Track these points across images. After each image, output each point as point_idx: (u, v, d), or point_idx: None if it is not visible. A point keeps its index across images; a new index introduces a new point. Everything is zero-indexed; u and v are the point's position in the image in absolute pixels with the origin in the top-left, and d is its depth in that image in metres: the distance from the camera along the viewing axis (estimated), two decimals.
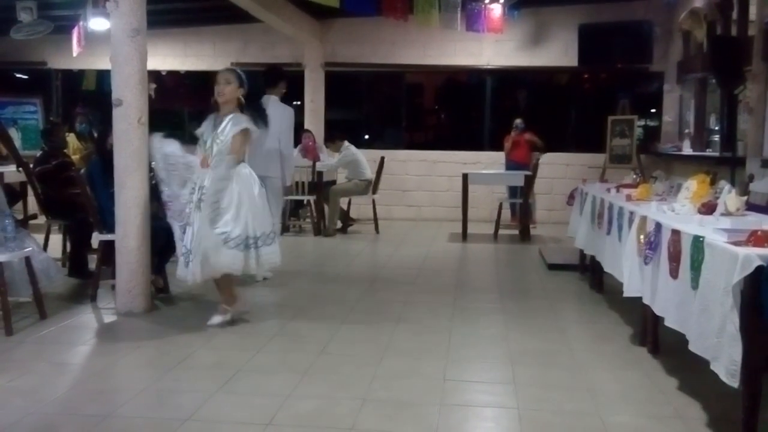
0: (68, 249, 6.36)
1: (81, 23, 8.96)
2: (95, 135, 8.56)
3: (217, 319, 4.73)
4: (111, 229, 5.15)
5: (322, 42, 10.98)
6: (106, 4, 5.05)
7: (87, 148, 8.35)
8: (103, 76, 11.12)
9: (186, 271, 4.55)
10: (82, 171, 5.84)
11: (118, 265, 5.06)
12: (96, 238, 5.48)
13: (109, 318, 5.03)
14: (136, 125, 4.97)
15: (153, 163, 4.77)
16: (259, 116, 4.83)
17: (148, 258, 5.11)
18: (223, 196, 4.52)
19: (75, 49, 9.44)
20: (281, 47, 10.96)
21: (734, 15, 7.79)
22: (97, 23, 8.39)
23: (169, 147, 4.65)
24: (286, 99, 6.61)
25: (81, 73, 11.65)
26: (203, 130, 4.73)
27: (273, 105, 6.21)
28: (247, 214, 4.55)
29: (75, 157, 7.72)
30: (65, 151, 7.13)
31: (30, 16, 8.53)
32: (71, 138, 8.46)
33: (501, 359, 4.13)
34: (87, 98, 11.10)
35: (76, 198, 5.61)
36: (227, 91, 4.68)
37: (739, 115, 7.52)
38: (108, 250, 5.24)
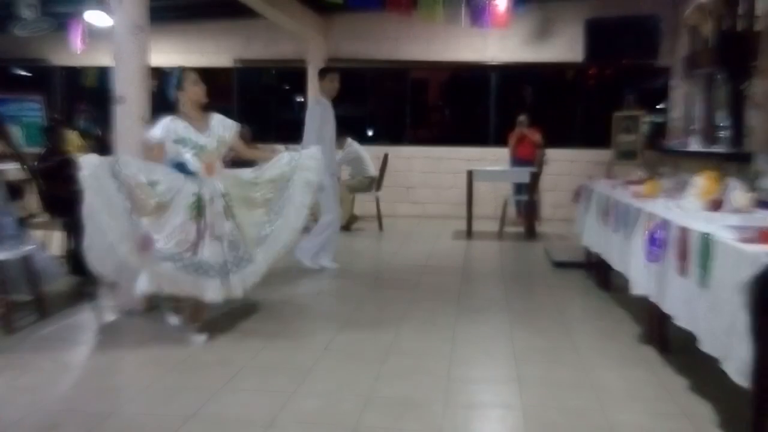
0: (69, 247, 6.34)
1: (83, 20, 8.94)
2: (98, 132, 8.56)
3: (198, 339, 4.37)
4: None
5: (325, 38, 10.94)
6: (108, 0, 5.02)
7: (89, 145, 8.32)
8: (105, 73, 11.12)
9: (229, 285, 4.30)
10: None
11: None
12: None
13: (110, 316, 5.01)
14: (139, 122, 4.95)
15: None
16: None
17: None
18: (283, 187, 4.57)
19: (77, 46, 9.42)
20: (284, 43, 10.92)
21: (740, 10, 7.72)
22: (100, 20, 8.37)
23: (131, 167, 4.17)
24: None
25: (83, 70, 11.63)
26: (184, 135, 4.25)
27: (323, 105, 6.41)
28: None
29: (77, 155, 7.69)
30: (67, 148, 7.10)
31: (33, 13, 8.51)
32: (73, 135, 8.44)
33: (506, 357, 4.10)
34: (90, 95, 11.08)
35: (78, 195, 5.57)
36: (201, 93, 4.43)
37: (746, 110, 7.46)
38: None
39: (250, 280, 4.45)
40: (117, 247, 4.00)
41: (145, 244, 4.04)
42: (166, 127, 4.24)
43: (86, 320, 4.96)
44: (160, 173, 4.18)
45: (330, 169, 6.30)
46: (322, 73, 6.67)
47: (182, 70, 4.34)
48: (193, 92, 4.33)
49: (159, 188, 4.12)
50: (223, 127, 4.47)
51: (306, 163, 4.65)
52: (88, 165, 3.97)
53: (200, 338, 4.33)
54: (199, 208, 4.19)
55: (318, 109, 6.50)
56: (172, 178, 4.19)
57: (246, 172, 4.56)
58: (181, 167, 4.24)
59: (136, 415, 3.27)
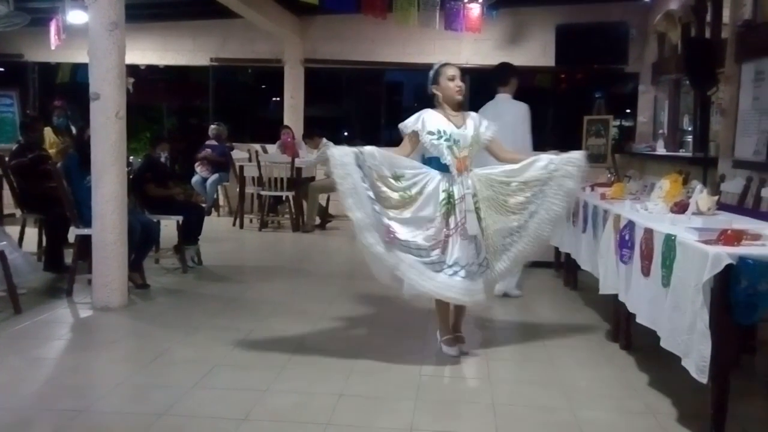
0: (44, 243, 6.31)
1: (59, 16, 8.87)
2: (72, 129, 8.50)
3: (453, 351, 4.14)
4: (88, 223, 5.12)
5: (302, 38, 10.96)
6: None
7: (64, 141, 8.28)
8: (79, 69, 11.03)
9: (475, 289, 3.96)
10: (59, 165, 5.80)
11: (94, 260, 5.03)
12: (73, 233, 5.45)
13: (85, 313, 5.00)
14: (114, 119, 4.95)
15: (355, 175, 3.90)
16: None
17: (125, 252, 5.10)
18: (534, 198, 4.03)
19: (53, 42, 9.34)
20: (261, 43, 10.92)
21: (708, 17, 7.91)
22: (76, 16, 8.32)
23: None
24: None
25: (58, 67, 11.52)
26: (435, 127, 4.02)
27: (506, 103, 5.91)
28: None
29: (52, 151, 7.65)
30: (42, 145, 7.06)
31: (6, 7, 8.42)
32: (48, 131, 8.38)
33: (476, 355, 4.17)
34: (65, 92, 10.98)
35: (53, 192, 5.56)
36: (462, 87, 4.11)
37: (711, 116, 7.65)
38: (85, 244, 5.21)
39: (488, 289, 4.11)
40: (362, 236, 3.86)
41: (389, 235, 3.87)
42: (421, 118, 4.05)
43: (60, 317, 4.94)
44: (406, 166, 3.99)
45: None
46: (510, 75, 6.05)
47: (441, 66, 4.13)
48: (447, 88, 4.08)
49: (404, 182, 3.94)
50: (480, 126, 4.12)
51: (567, 169, 4.03)
52: (336, 154, 3.88)
53: (452, 350, 4.10)
54: (449, 205, 3.94)
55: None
56: (417, 173, 3.98)
57: (498, 172, 4.10)
58: (433, 162, 4.04)
59: (108, 413, 3.28)
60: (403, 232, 3.88)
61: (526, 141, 5.81)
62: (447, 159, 3.96)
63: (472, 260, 3.93)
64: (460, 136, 4.00)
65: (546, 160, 4.04)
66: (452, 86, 4.06)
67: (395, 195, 3.92)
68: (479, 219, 3.96)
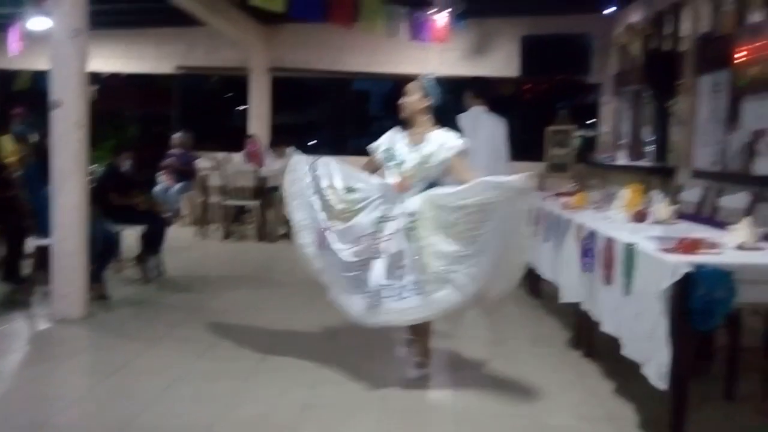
0: (2, 254, 6.17)
1: (20, 22, 8.72)
2: (32, 136, 8.33)
3: (414, 373, 3.98)
4: (46, 233, 5.03)
5: (268, 47, 10.92)
6: (46, 3, 4.95)
7: (23, 150, 8.11)
8: (40, 77, 10.84)
9: (378, 312, 3.76)
10: (18, 173, 5.69)
11: (54, 270, 4.94)
12: (31, 243, 5.35)
13: (43, 325, 4.91)
14: (75, 127, 4.88)
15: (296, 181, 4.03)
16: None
17: (85, 263, 5.02)
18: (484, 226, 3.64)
19: (13, 48, 9.18)
20: (226, 51, 10.85)
21: (668, 30, 8.08)
22: (37, 22, 8.17)
23: (339, 169, 4.03)
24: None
25: (19, 73, 11.31)
26: (387, 146, 4.00)
27: (484, 116, 5.97)
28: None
29: (10, 160, 7.49)
30: (1, 153, 6.91)
31: None
32: (7, 139, 8.21)
33: (440, 364, 4.19)
34: (26, 99, 10.78)
35: (10, 201, 5.45)
36: (407, 102, 3.97)
37: (671, 126, 7.81)
38: (43, 254, 5.12)
39: (411, 315, 3.76)
40: (299, 236, 3.98)
41: (321, 241, 3.92)
42: (386, 136, 4.04)
43: (18, 329, 4.85)
44: (363, 181, 3.98)
45: None
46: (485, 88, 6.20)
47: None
48: (401, 103, 4.01)
49: (354, 196, 3.92)
50: (438, 145, 3.88)
51: (508, 196, 3.63)
52: (293, 159, 4.09)
53: (414, 372, 3.97)
54: (381, 224, 3.85)
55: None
56: (370, 189, 3.94)
57: (449, 193, 3.82)
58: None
59: (69, 426, 3.23)
60: (335, 242, 3.90)
61: (502, 155, 5.96)
62: (390, 178, 3.93)
63: (384, 282, 3.75)
64: (407, 156, 3.90)
65: (494, 181, 3.72)
66: (403, 101, 3.99)
67: (340, 206, 3.94)
68: (417, 240, 3.75)
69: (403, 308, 3.71)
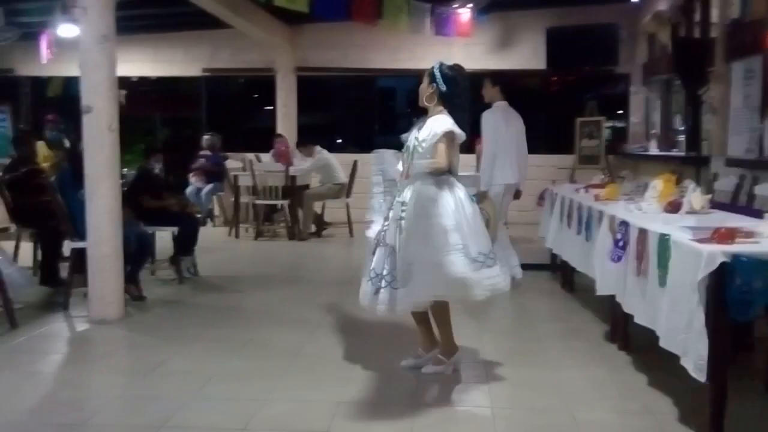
0: (39, 257, 6.29)
1: (49, 30, 8.87)
2: (65, 142, 8.48)
3: (431, 368, 3.93)
4: (82, 236, 5.11)
5: (293, 47, 10.98)
6: (74, 10, 5.02)
7: (57, 155, 8.25)
8: (71, 83, 11.02)
9: (375, 299, 3.72)
10: (53, 178, 5.79)
11: (90, 273, 5.02)
12: (67, 246, 5.44)
13: (81, 326, 4.99)
14: (107, 132, 4.95)
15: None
16: (457, 123, 3.83)
17: (120, 265, 5.09)
18: (436, 213, 3.67)
19: (44, 55, 9.34)
20: (252, 52, 10.93)
21: (697, 17, 7.95)
22: (66, 30, 8.31)
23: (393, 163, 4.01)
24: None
25: (50, 80, 11.52)
26: (407, 135, 3.97)
27: (511, 112, 6.11)
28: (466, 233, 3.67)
29: (45, 165, 7.63)
30: (35, 159, 7.04)
31: None
32: (41, 145, 8.36)
33: (474, 359, 4.18)
34: (57, 105, 10.98)
35: (47, 206, 5.55)
36: (420, 90, 3.97)
37: (703, 115, 7.68)
38: (80, 257, 5.20)
39: (397, 307, 3.72)
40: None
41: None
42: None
43: (57, 331, 4.93)
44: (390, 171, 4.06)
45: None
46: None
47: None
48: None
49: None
50: (429, 131, 3.79)
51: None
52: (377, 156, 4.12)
53: (428, 367, 3.93)
54: (389, 210, 3.88)
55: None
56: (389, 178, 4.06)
57: (431, 186, 3.76)
58: None
59: (106, 426, 3.27)
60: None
61: (525, 151, 6.20)
62: (399, 166, 3.97)
63: (383, 271, 3.70)
64: (410, 143, 3.89)
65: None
66: (421, 88, 4.01)
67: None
68: (401, 230, 3.70)
69: (392, 299, 3.67)
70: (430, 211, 3.68)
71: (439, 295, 3.77)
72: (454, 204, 3.71)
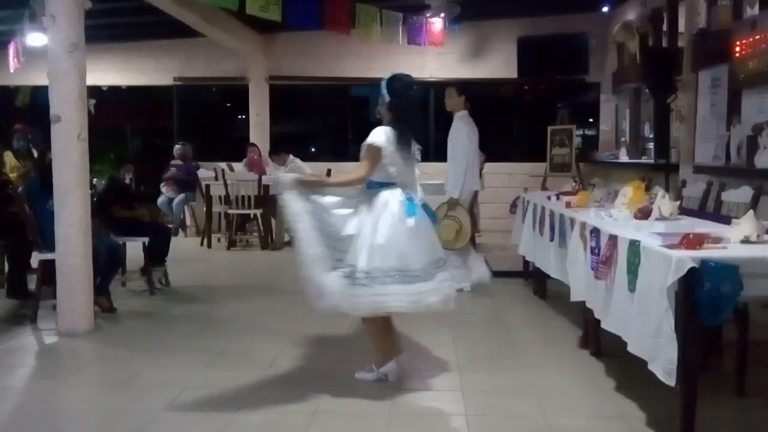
0: (6, 269, 6.18)
1: (18, 38, 8.74)
2: (33, 152, 8.35)
3: (362, 375, 3.98)
4: (51, 247, 5.03)
5: (266, 56, 10.96)
6: (43, 19, 4.96)
7: (25, 165, 8.14)
8: (39, 92, 10.87)
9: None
10: (20, 189, 5.70)
11: (59, 285, 4.95)
12: (36, 258, 5.36)
13: (50, 339, 4.91)
14: (76, 141, 4.89)
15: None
16: (402, 133, 3.88)
17: (90, 276, 5.02)
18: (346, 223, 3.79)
19: (12, 64, 9.20)
20: (225, 61, 10.89)
21: (665, 27, 8.09)
22: (35, 38, 8.19)
23: None
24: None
25: (18, 89, 11.35)
26: None
27: (471, 120, 6.16)
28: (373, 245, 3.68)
29: (12, 175, 7.52)
30: (2, 169, 6.93)
31: None
32: (8, 155, 8.24)
33: (448, 366, 4.19)
34: (25, 115, 10.81)
35: (14, 217, 5.46)
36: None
37: (671, 123, 7.80)
38: (48, 269, 5.12)
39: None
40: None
41: None
42: None
43: (25, 344, 4.84)
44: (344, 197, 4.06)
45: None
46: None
47: None
48: None
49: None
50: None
51: None
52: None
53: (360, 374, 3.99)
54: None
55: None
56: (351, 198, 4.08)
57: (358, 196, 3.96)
58: None
59: None
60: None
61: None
62: None
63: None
64: None
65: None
66: None
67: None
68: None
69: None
70: (328, 221, 3.77)
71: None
72: (369, 216, 3.76)
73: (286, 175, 3.93)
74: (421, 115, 3.98)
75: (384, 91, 3.95)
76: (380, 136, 3.83)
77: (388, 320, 4.02)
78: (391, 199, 3.81)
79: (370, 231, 3.72)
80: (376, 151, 3.81)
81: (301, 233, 3.71)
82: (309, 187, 3.84)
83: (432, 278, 3.72)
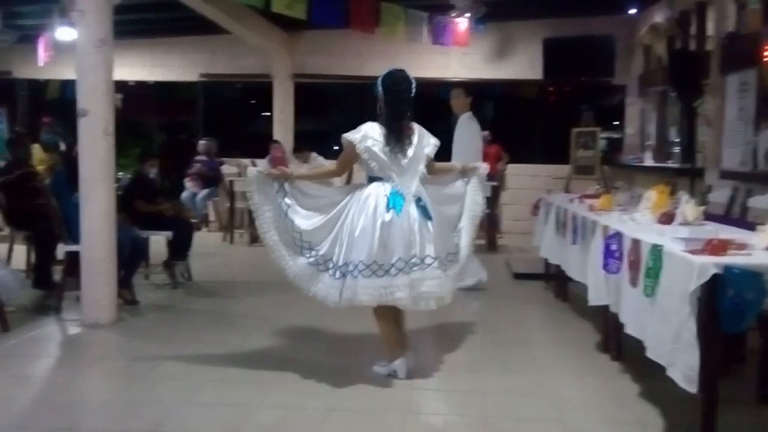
0: (32, 260, 6.28)
1: (47, 33, 8.88)
2: (61, 145, 8.47)
3: (378, 368, 4.02)
4: (76, 239, 5.10)
5: (290, 53, 11.00)
6: (72, 14, 5.03)
7: (52, 158, 8.25)
8: (67, 86, 11.01)
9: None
10: (47, 181, 5.78)
11: (83, 276, 5.01)
12: (61, 249, 5.43)
13: (74, 330, 4.98)
14: (103, 136, 4.95)
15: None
16: (390, 128, 4.03)
17: (114, 268, 5.08)
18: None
19: (41, 58, 9.34)
20: (250, 58, 10.95)
21: (693, 30, 8.00)
22: (64, 33, 8.31)
23: None
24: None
25: (47, 83, 11.52)
26: None
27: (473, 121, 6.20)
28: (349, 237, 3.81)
29: (40, 168, 7.62)
30: (30, 161, 7.03)
31: None
32: (36, 148, 8.36)
33: (466, 367, 4.18)
34: (54, 108, 10.97)
35: (41, 209, 5.54)
36: None
37: (698, 127, 7.71)
38: (73, 261, 5.19)
39: None
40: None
41: None
42: None
43: (49, 334, 4.91)
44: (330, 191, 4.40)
45: None
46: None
47: None
48: None
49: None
50: None
51: None
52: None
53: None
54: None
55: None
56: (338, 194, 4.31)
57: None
58: None
59: (97, 430, 3.27)
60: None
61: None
62: None
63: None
64: None
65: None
66: None
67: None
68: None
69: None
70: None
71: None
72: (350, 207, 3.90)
73: (252, 168, 4.06)
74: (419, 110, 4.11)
75: (378, 88, 4.06)
76: (357, 131, 3.96)
77: (397, 316, 4.04)
78: (373, 193, 3.87)
79: (349, 224, 3.82)
80: (348, 146, 3.96)
81: (263, 224, 3.97)
82: (276, 179, 3.96)
83: (406, 274, 3.73)
